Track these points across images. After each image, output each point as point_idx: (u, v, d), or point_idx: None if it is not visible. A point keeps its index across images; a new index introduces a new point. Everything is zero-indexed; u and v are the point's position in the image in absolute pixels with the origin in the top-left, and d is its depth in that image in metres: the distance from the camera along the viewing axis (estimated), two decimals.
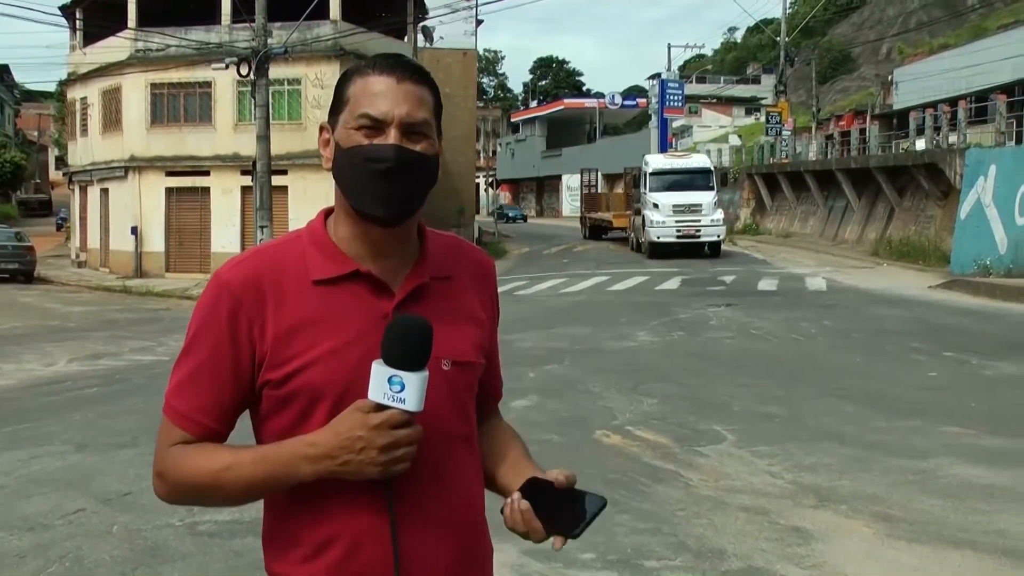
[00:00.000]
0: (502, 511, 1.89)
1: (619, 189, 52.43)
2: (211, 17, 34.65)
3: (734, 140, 67.93)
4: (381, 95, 1.85)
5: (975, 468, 7.82)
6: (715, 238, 35.09)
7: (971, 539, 6.18)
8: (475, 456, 2.01)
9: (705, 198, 35.37)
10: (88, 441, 9.59)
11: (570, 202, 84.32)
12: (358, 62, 1.95)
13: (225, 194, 34.95)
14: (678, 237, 34.74)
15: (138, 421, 10.49)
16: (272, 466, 1.81)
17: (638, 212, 38.12)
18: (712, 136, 77.94)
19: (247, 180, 30.44)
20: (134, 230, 35.68)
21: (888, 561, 5.93)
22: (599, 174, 60.51)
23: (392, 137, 1.84)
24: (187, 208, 35.68)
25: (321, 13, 31.36)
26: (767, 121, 52.22)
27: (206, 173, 35.27)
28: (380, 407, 1.74)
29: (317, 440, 1.79)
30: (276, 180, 28.43)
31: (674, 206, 34.89)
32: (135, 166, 36.03)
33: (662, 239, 35.02)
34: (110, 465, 8.57)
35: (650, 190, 36.02)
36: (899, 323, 16.81)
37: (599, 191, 55.26)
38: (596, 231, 51.02)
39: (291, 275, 1.89)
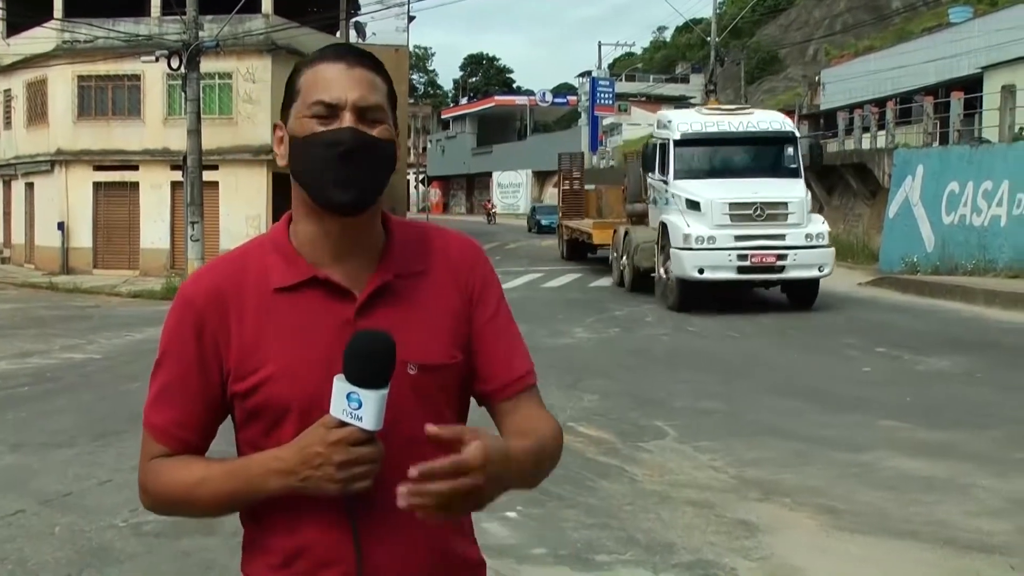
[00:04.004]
0: None
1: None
2: (141, 9, 34.14)
3: None
4: (333, 80, 1.81)
5: (913, 460, 7.97)
6: (814, 272, 18.26)
7: (913, 530, 6.30)
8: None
9: (792, 191, 18.65)
10: (23, 441, 9.40)
11: (501, 199, 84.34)
12: (308, 56, 1.91)
13: (154, 189, 34.42)
14: (742, 271, 18.09)
15: (73, 420, 10.33)
16: (242, 480, 1.81)
17: (632, 218, 22.67)
18: (642, 134, 78.34)
19: (177, 175, 29.97)
20: (60, 225, 34.99)
21: (834, 552, 6.04)
22: (579, 159, 38.80)
23: (347, 121, 1.79)
24: (115, 203, 35.06)
25: (253, 7, 31.06)
26: None
27: (135, 168, 34.71)
28: (342, 423, 1.70)
29: (282, 455, 1.76)
30: (207, 175, 28.06)
31: (731, 206, 18.22)
32: (62, 160, 35.33)
33: (708, 274, 17.94)
34: (47, 465, 8.42)
35: (676, 176, 19.23)
36: (831, 320, 17.08)
37: (584, 188, 35.86)
38: (577, 248, 32.27)
39: (253, 284, 1.87)
